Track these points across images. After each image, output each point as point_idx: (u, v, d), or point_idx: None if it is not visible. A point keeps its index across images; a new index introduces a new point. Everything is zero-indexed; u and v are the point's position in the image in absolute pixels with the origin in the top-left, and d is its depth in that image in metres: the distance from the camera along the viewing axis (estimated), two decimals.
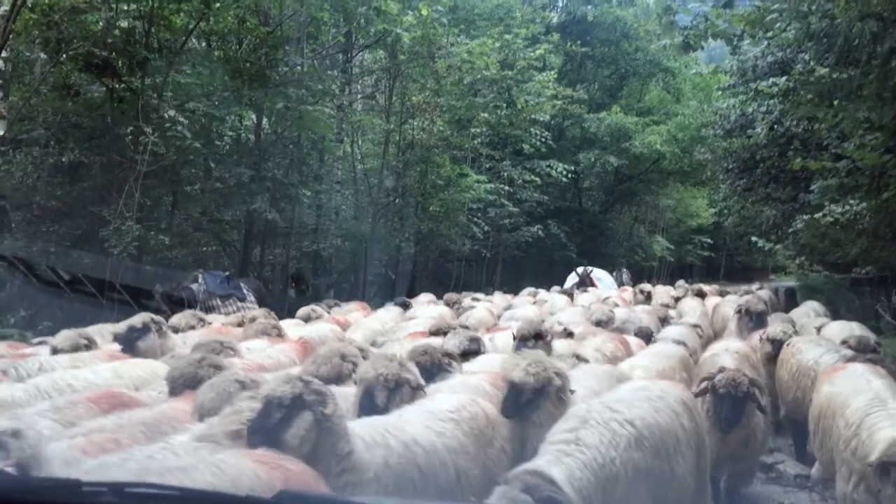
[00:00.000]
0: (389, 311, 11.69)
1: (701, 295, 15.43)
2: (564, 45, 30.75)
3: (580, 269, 21.90)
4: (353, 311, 11.66)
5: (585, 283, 20.33)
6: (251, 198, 15.97)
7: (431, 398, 4.33)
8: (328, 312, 11.11)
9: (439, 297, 15.06)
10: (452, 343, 5.99)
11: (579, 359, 5.92)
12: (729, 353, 6.99)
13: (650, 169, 36.08)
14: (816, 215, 11.30)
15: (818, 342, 7.21)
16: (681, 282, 24.77)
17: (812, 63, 11.26)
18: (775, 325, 8.23)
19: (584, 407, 3.90)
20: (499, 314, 11.77)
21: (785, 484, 7.03)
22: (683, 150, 33.11)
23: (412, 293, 16.55)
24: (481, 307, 11.89)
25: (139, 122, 12.98)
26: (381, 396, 4.18)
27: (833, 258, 13.58)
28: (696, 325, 9.40)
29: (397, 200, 22.25)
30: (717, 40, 10.07)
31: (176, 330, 7.96)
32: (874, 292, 16.80)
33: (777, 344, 7.68)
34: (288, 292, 17.77)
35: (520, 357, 4.82)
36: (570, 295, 15.57)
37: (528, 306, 12.67)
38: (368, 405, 4.15)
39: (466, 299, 13.32)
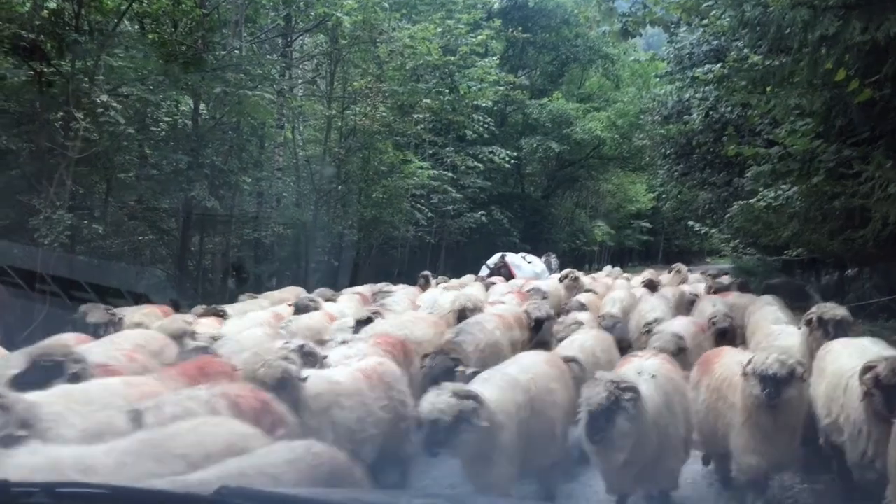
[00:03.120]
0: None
1: (651, 287, 13.44)
2: (506, 31, 30.81)
3: (492, 259, 20.73)
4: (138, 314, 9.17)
5: (500, 272, 19.10)
6: (189, 185, 15.60)
7: None
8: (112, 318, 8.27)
9: (391, 281, 14.91)
10: None
11: None
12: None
13: (591, 154, 36.58)
14: (751, 200, 11.62)
15: None
16: (608, 267, 24.79)
17: (746, 50, 11.54)
18: (764, 353, 5.37)
19: None
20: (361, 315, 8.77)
21: None
22: (623, 135, 33.74)
23: (355, 281, 16.45)
24: (319, 313, 9.62)
25: (69, 108, 12.49)
26: None
27: (766, 241, 13.98)
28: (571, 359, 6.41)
29: (340, 187, 22.02)
30: (654, 27, 10.23)
31: None
32: (804, 274, 17.47)
33: (772, 382, 5.03)
34: (228, 282, 17.46)
35: None
36: (488, 285, 14.41)
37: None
38: None
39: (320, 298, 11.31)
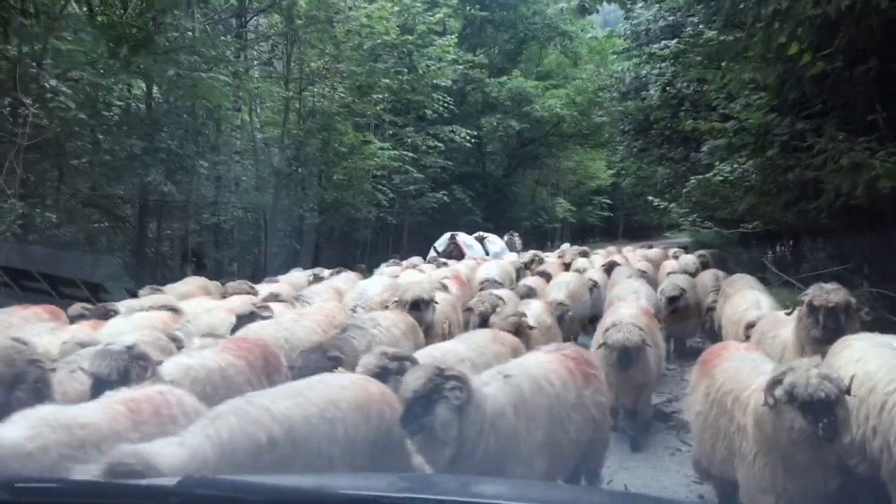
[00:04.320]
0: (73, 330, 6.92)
1: (609, 269, 12.41)
2: (464, 9, 30.68)
3: (440, 241, 20.01)
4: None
5: (451, 254, 18.19)
6: (144, 170, 15.30)
7: None
8: None
9: (344, 265, 14.55)
10: None
11: None
12: None
13: (551, 132, 36.71)
14: (707, 174, 11.78)
15: None
16: (566, 245, 24.78)
17: (701, 26, 11.65)
18: (800, 370, 3.87)
19: None
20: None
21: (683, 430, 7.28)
22: (582, 112, 33.94)
23: (318, 263, 16.33)
24: (220, 309, 8.01)
25: (17, 93, 12.18)
26: None
27: (723, 214, 14.23)
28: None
29: (299, 170, 21.79)
30: (611, 4, 10.27)
31: None
32: (760, 245, 17.82)
33: (827, 409, 3.66)
34: (186, 269, 17.20)
35: None
36: (440, 266, 13.67)
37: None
38: None
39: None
